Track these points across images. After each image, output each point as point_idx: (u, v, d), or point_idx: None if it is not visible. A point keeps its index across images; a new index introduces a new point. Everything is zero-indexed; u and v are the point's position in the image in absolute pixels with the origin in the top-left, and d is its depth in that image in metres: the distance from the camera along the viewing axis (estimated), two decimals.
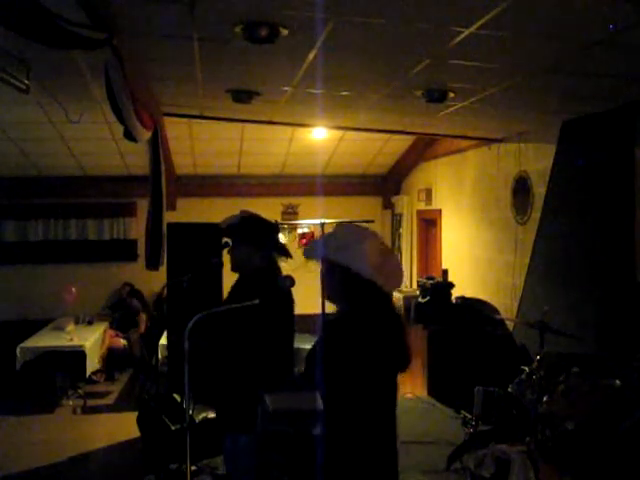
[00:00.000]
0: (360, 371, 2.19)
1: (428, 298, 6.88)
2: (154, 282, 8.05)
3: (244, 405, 3.00)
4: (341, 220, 7.27)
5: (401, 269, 2.41)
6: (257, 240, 3.22)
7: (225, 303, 3.24)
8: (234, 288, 3.30)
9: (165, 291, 3.68)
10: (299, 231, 8.39)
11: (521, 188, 6.05)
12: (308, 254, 2.43)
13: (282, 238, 8.47)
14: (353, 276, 2.20)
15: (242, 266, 3.25)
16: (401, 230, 9.32)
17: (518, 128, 5.95)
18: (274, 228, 3.42)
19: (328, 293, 2.40)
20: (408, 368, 2.38)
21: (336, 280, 2.29)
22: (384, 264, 2.24)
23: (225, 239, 3.35)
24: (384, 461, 2.29)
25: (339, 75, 4.08)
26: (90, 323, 8.09)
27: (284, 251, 3.34)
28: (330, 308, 2.48)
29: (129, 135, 4.36)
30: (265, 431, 2.49)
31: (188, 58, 3.76)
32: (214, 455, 4.57)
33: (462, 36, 3.11)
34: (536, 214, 5.80)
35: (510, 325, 6.16)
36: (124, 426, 5.86)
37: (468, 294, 6.84)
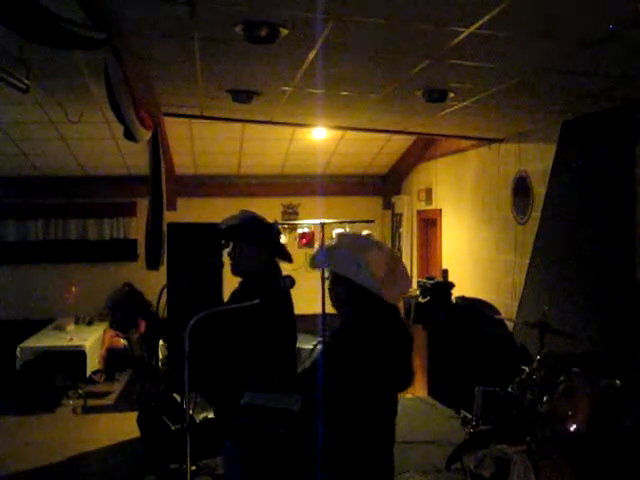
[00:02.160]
0: (358, 388, 2.17)
1: (428, 298, 6.88)
2: (154, 282, 8.06)
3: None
4: (341, 220, 7.30)
5: (407, 277, 2.38)
6: (259, 242, 3.20)
7: (226, 304, 3.23)
8: (236, 291, 3.28)
9: (162, 296, 3.66)
10: (299, 231, 8.39)
11: (521, 188, 6.05)
12: (315, 264, 2.43)
13: (282, 238, 8.48)
14: (359, 289, 2.20)
15: (243, 268, 3.22)
16: (401, 230, 9.32)
17: (518, 128, 5.95)
18: (276, 230, 3.40)
19: (334, 303, 2.39)
20: (409, 388, 2.37)
21: (342, 291, 2.28)
22: (389, 275, 2.22)
23: (224, 241, 3.33)
24: (380, 472, 2.28)
25: (339, 75, 4.08)
26: (90, 323, 8.10)
27: (285, 255, 3.32)
28: (330, 309, 2.48)
29: (129, 135, 4.36)
30: (233, 424, 2.49)
31: (188, 58, 3.76)
32: (214, 455, 4.57)
33: (462, 36, 3.11)
34: (536, 214, 5.80)
35: (510, 325, 6.16)
36: (124, 426, 5.86)
37: (468, 294, 6.84)
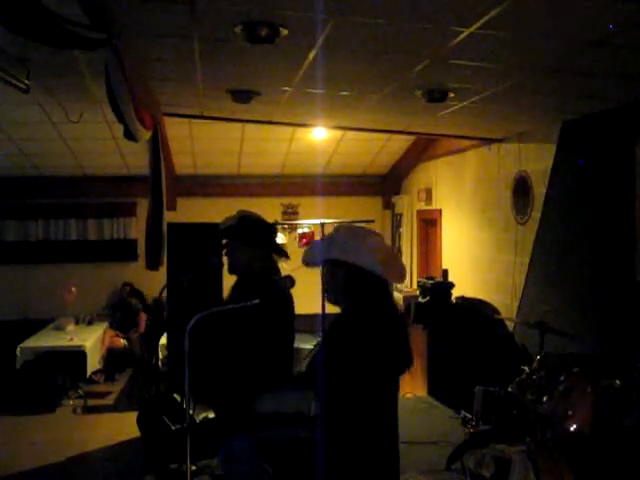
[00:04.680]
0: (363, 372, 2.18)
1: (428, 298, 6.88)
2: (154, 282, 8.06)
3: (242, 406, 2.99)
4: (341, 220, 7.30)
5: (403, 263, 2.47)
6: (256, 242, 3.20)
7: (225, 304, 3.24)
8: (234, 289, 3.29)
9: (163, 294, 3.67)
10: (299, 231, 8.39)
11: (521, 188, 6.05)
12: (307, 260, 2.41)
13: (282, 238, 8.49)
14: (362, 273, 2.22)
15: (241, 268, 3.24)
16: (401, 230, 9.32)
17: (518, 128, 5.95)
18: (272, 229, 3.41)
19: (332, 294, 2.39)
20: (410, 369, 2.38)
21: (342, 279, 2.29)
22: (389, 259, 2.29)
23: (224, 240, 3.34)
24: (385, 462, 2.28)
25: (339, 75, 4.08)
26: (90, 323, 8.10)
27: (282, 252, 3.33)
28: (331, 309, 2.48)
29: (129, 135, 4.35)
30: (255, 437, 2.46)
31: (188, 58, 3.76)
32: (214, 455, 4.57)
33: (462, 36, 3.11)
34: (536, 214, 5.80)
35: (510, 325, 6.16)
36: (124, 426, 5.86)
37: (468, 294, 6.84)
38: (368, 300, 2.27)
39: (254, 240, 3.20)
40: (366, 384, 2.20)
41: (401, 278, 2.39)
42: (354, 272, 2.23)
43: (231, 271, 3.30)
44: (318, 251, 2.41)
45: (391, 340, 2.26)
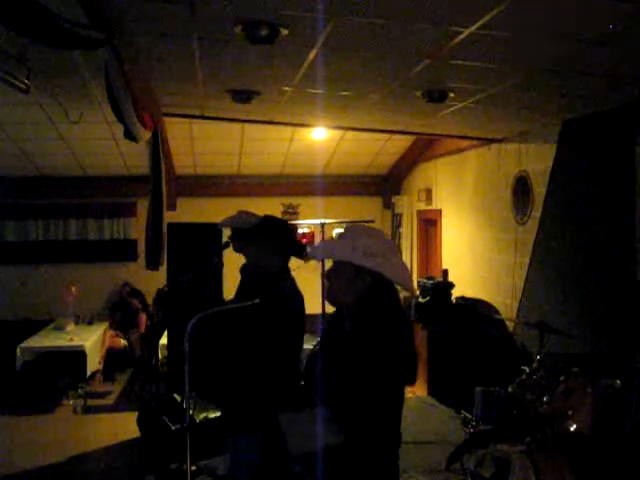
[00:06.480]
0: (373, 382, 2.15)
1: (428, 298, 6.88)
2: (154, 282, 8.08)
3: (249, 406, 2.98)
4: (341, 220, 7.31)
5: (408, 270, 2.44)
6: (281, 241, 3.17)
7: (234, 302, 3.19)
8: (244, 288, 3.25)
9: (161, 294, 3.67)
10: (299, 231, 8.39)
11: (521, 188, 6.05)
12: (319, 254, 2.36)
13: None
14: (386, 284, 2.19)
15: (261, 266, 3.16)
16: (401, 230, 9.33)
17: (518, 128, 5.95)
18: (291, 229, 3.37)
19: (341, 297, 2.31)
20: (415, 382, 2.36)
21: (363, 287, 2.22)
22: (404, 267, 2.27)
23: (226, 239, 3.33)
24: (386, 470, 2.28)
25: (339, 75, 4.08)
26: (90, 323, 8.09)
27: (300, 251, 3.28)
28: (330, 309, 2.46)
29: (129, 135, 4.36)
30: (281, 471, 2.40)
31: (188, 58, 3.76)
32: (214, 455, 4.57)
33: (462, 36, 3.11)
34: (536, 214, 5.80)
35: (510, 325, 6.16)
36: (124, 426, 5.86)
37: (468, 294, 6.84)
38: (384, 311, 2.21)
39: (279, 239, 3.16)
40: (374, 395, 2.17)
41: (411, 287, 2.37)
42: (379, 282, 2.18)
43: (251, 269, 3.24)
44: (336, 250, 2.29)
45: (402, 352, 2.22)
